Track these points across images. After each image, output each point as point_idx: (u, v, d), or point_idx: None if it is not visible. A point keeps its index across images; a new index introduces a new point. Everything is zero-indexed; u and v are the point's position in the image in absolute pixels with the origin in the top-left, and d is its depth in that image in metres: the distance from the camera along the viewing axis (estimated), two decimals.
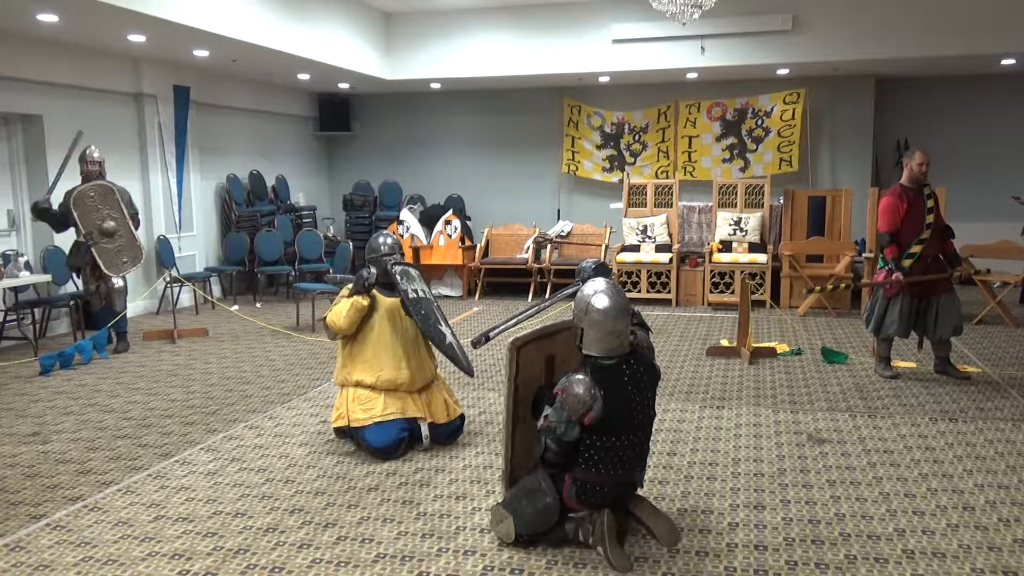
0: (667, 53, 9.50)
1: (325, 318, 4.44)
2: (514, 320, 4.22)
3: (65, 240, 7.52)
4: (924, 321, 5.78)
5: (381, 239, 4.63)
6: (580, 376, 3.17)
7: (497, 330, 4.17)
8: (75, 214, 6.72)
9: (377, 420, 4.33)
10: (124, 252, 6.97)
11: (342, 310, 4.34)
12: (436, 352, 4.58)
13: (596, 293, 3.26)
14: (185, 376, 6.28)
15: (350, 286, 4.45)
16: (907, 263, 5.68)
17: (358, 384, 4.44)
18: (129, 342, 7.28)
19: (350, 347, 4.48)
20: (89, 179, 6.94)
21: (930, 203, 5.73)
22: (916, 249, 5.69)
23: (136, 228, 7.21)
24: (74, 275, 7.31)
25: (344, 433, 4.52)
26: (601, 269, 4.11)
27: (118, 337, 7.20)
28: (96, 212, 6.82)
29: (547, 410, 3.25)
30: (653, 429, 3.42)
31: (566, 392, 3.15)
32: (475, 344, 4.13)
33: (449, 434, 4.56)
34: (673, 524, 3.35)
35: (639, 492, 3.46)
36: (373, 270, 4.44)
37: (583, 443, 3.19)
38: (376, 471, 4.20)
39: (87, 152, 6.97)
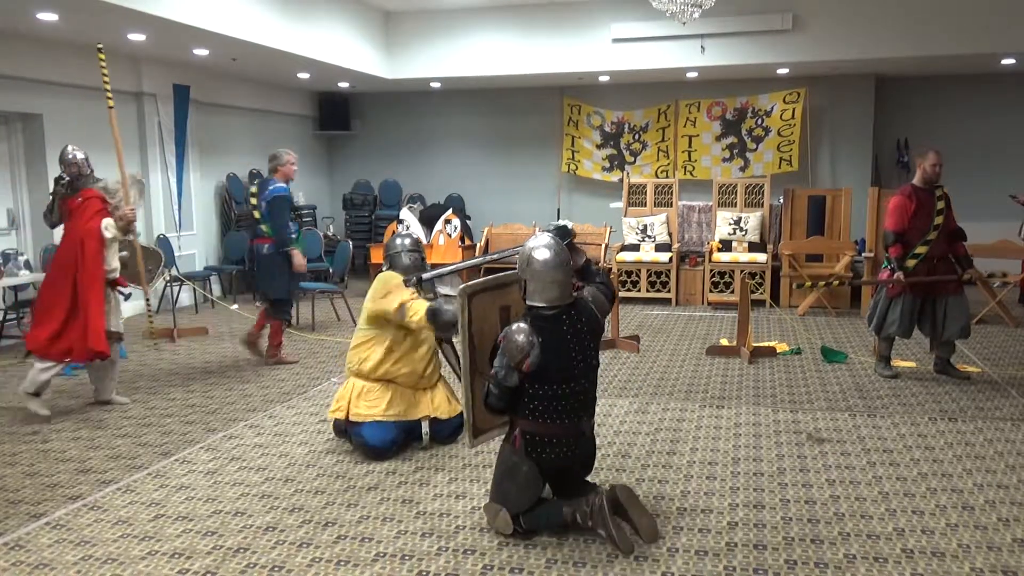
0: (667, 52, 9.50)
1: (404, 303, 4.20)
2: (455, 267, 4.43)
3: None
4: (929, 322, 5.76)
5: (399, 240, 4.56)
6: (520, 324, 3.29)
7: (430, 274, 4.34)
8: None
9: (378, 419, 4.32)
10: (146, 263, 6.87)
11: (421, 310, 4.16)
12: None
13: (538, 247, 3.38)
14: (185, 375, 6.28)
15: (411, 291, 4.33)
16: (911, 263, 5.67)
17: (384, 377, 4.35)
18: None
19: (391, 339, 4.37)
20: (72, 182, 6.12)
21: (940, 204, 5.72)
22: (921, 250, 5.67)
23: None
24: None
25: (342, 431, 4.53)
26: (561, 231, 4.09)
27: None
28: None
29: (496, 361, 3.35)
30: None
31: (507, 339, 3.27)
32: (407, 283, 4.28)
33: (450, 432, 4.56)
34: (654, 520, 3.38)
35: (627, 485, 3.47)
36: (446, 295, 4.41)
37: (526, 394, 3.30)
38: (376, 470, 4.21)
39: (65, 154, 6.11)
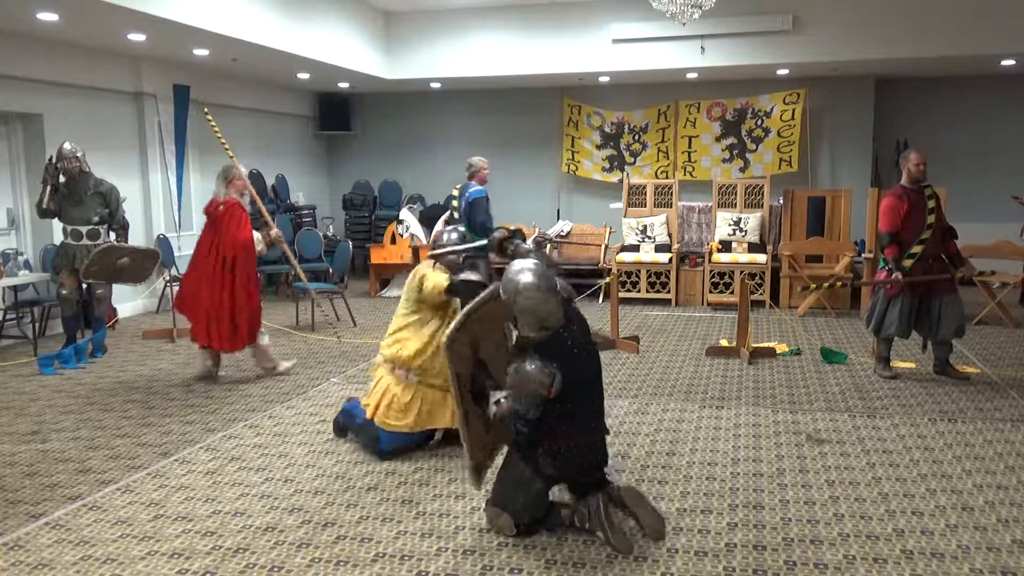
0: (667, 53, 9.50)
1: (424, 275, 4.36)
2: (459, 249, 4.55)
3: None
4: (926, 322, 5.77)
5: (446, 236, 4.56)
6: (530, 363, 3.18)
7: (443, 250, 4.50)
8: (90, 269, 6.48)
9: (405, 432, 4.32)
10: (143, 263, 6.86)
11: (442, 284, 4.26)
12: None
13: (522, 271, 3.28)
14: (184, 375, 6.28)
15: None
16: (908, 263, 5.68)
17: (419, 369, 4.33)
18: (107, 347, 7.03)
19: (420, 321, 4.37)
20: (70, 175, 6.70)
21: (931, 203, 5.73)
22: (917, 250, 5.68)
23: (127, 229, 7.08)
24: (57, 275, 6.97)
25: (342, 432, 4.53)
26: (481, 248, 4.05)
27: (94, 345, 6.88)
28: (109, 265, 6.54)
29: (496, 395, 3.30)
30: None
31: (523, 381, 3.18)
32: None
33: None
34: (662, 519, 3.36)
35: (633, 485, 3.47)
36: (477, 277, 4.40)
37: (546, 412, 3.25)
38: (375, 470, 4.21)
39: (63, 150, 6.67)
